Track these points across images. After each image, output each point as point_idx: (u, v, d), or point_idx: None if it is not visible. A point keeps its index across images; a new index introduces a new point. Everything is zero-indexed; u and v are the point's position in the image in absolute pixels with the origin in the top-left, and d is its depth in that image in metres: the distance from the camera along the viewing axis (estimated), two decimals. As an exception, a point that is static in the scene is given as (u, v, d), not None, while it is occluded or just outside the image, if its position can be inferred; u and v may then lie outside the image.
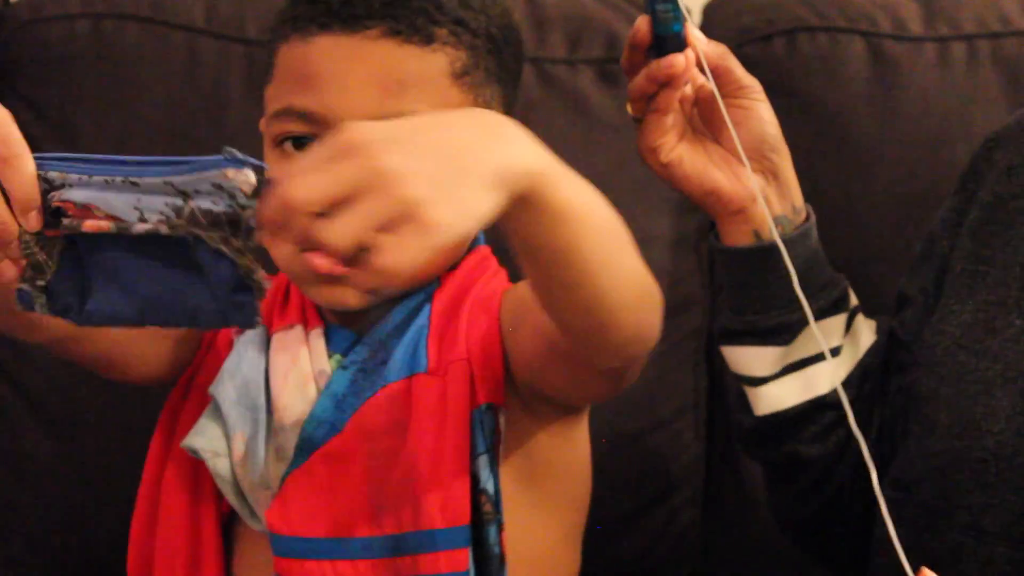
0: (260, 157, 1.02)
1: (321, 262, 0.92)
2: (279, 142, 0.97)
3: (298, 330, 1.02)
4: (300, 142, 0.96)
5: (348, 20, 0.94)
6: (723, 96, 1.00)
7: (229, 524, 1.04)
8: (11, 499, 1.30)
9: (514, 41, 1.02)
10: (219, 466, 1.00)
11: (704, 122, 1.04)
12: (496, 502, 0.96)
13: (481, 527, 0.96)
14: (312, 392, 1.00)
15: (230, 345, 1.05)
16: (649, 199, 1.33)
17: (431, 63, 0.95)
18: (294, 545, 0.96)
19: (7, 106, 1.33)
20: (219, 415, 1.01)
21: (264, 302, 1.02)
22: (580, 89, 1.34)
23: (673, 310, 1.32)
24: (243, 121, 1.32)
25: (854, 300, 1.09)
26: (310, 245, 0.70)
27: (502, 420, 0.98)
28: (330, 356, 1.01)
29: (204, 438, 1.00)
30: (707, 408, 1.35)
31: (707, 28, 1.41)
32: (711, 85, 0.99)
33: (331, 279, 0.94)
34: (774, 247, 0.97)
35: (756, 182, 1.01)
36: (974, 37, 1.34)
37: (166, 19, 1.35)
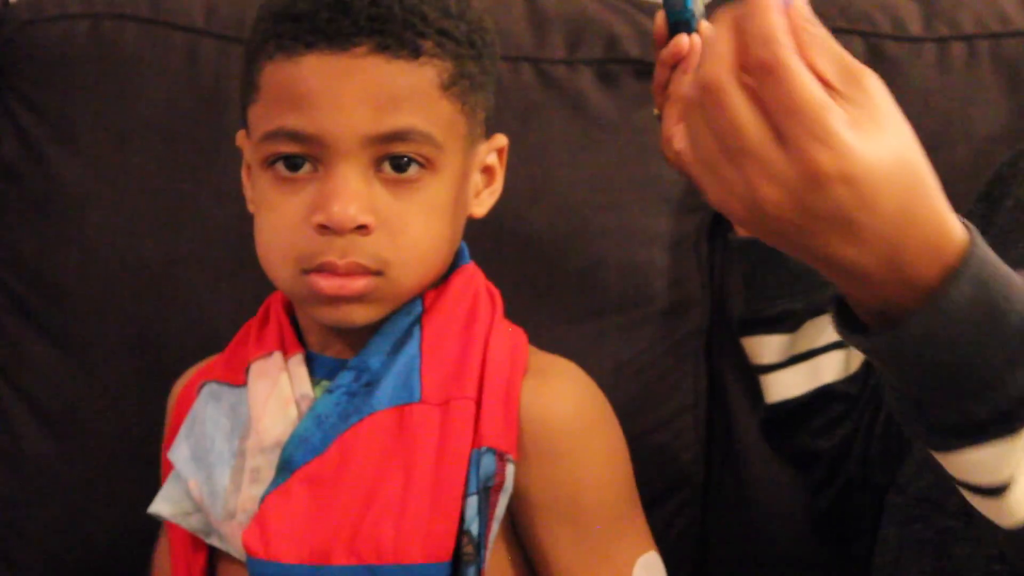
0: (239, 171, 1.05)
1: (328, 284, 0.94)
2: (270, 163, 0.97)
3: (277, 357, 1.02)
4: (292, 162, 0.96)
5: (335, 38, 0.93)
6: None
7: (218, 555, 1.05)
8: (11, 499, 1.30)
9: (491, 43, 1.02)
10: (193, 523, 1.03)
11: None
12: (479, 545, 0.96)
13: (460, 567, 0.95)
14: (294, 414, 1.00)
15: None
16: (649, 199, 1.33)
17: (421, 77, 0.95)
18: (270, 570, 0.96)
19: (7, 106, 1.34)
20: (177, 478, 1.04)
21: (240, 333, 1.08)
22: (580, 89, 1.34)
23: (673, 310, 1.32)
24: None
25: None
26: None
27: (509, 471, 0.97)
28: (314, 383, 1.02)
29: (168, 503, 1.03)
30: (707, 408, 1.35)
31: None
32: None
33: (334, 300, 0.96)
34: None
35: None
36: (974, 37, 1.35)
37: (166, 19, 1.35)
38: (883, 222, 0.66)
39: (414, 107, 0.95)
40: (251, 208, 1.03)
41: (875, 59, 1.34)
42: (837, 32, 1.36)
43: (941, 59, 1.34)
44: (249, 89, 0.99)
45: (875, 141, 0.65)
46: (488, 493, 0.97)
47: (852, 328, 0.73)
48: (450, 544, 0.95)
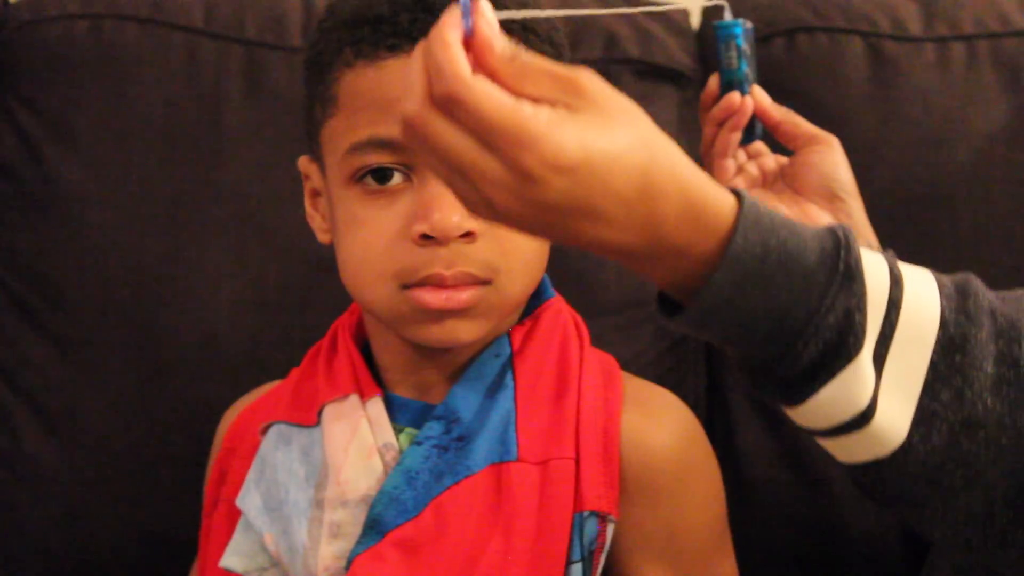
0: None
1: (434, 297, 0.91)
2: (359, 178, 0.92)
3: (354, 399, 0.97)
4: (382, 174, 0.91)
5: (421, 39, 0.90)
6: (797, 148, 1.06)
7: None
8: (11, 499, 1.30)
9: (564, 40, 0.99)
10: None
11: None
12: None
13: None
14: (378, 466, 0.94)
15: (253, 451, 1.01)
16: (649, 199, 1.33)
17: None
18: None
19: (7, 106, 1.34)
20: (250, 526, 0.98)
21: (306, 362, 1.03)
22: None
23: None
24: (242, 121, 1.32)
25: None
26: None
27: (610, 530, 0.93)
28: (396, 429, 0.96)
29: (240, 556, 0.97)
30: (707, 408, 1.35)
31: (706, 29, 1.41)
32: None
33: (440, 315, 0.92)
34: None
35: (827, 220, 1.04)
36: (973, 37, 1.35)
37: (166, 19, 1.35)
38: (625, 202, 0.70)
39: None
40: (324, 237, 0.99)
41: (875, 59, 1.34)
42: (837, 32, 1.37)
43: (941, 59, 1.34)
44: (323, 104, 0.94)
45: (593, 132, 0.68)
46: (592, 556, 0.93)
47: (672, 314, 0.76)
48: None
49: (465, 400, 0.95)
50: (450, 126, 0.68)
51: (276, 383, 1.09)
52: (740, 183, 1.07)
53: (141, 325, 1.30)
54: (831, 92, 1.33)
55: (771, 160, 1.10)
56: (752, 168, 1.09)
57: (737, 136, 1.07)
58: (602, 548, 0.93)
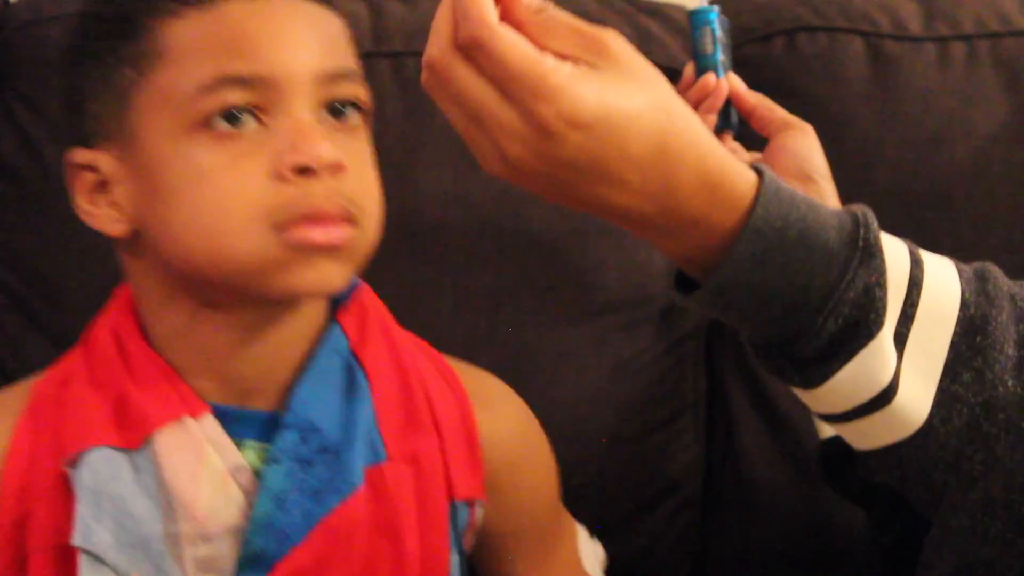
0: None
1: (320, 232, 0.84)
2: (207, 122, 0.84)
3: (188, 422, 0.88)
4: (234, 117, 0.84)
5: None
6: (771, 133, 1.06)
7: None
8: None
9: None
10: None
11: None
12: None
13: None
14: (237, 494, 0.87)
15: (59, 485, 0.88)
16: (649, 199, 1.33)
17: (338, 23, 0.90)
18: None
19: (7, 106, 1.34)
20: (101, 565, 0.86)
21: (89, 413, 0.89)
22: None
23: (673, 310, 1.32)
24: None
25: None
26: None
27: (479, 513, 0.95)
28: (239, 446, 0.89)
29: None
30: (707, 408, 1.35)
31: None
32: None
33: (316, 256, 0.85)
34: None
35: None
36: (973, 37, 1.35)
37: (166, 19, 1.35)
38: (641, 165, 0.69)
39: (348, 49, 0.90)
40: (117, 227, 0.89)
41: (875, 59, 1.34)
42: (837, 32, 1.37)
43: (941, 59, 1.34)
44: (135, 63, 0.86)
45: (613, 91, 0.68)
46: (462, 541, 0.94)
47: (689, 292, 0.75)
48: None
49: (317, 405, 0.90)
50: (472, 72, 0.68)
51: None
52: None
53: (141, 325, 1.30)
54: (831, 92, 1.33)
55: (746, 156, 1.10)
56: None
57: (712, 119, 1.07)
58: (472, 529, 0.95)
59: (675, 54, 1.36)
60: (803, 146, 1.07)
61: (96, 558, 0.85)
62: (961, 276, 0.77)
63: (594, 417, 1.30)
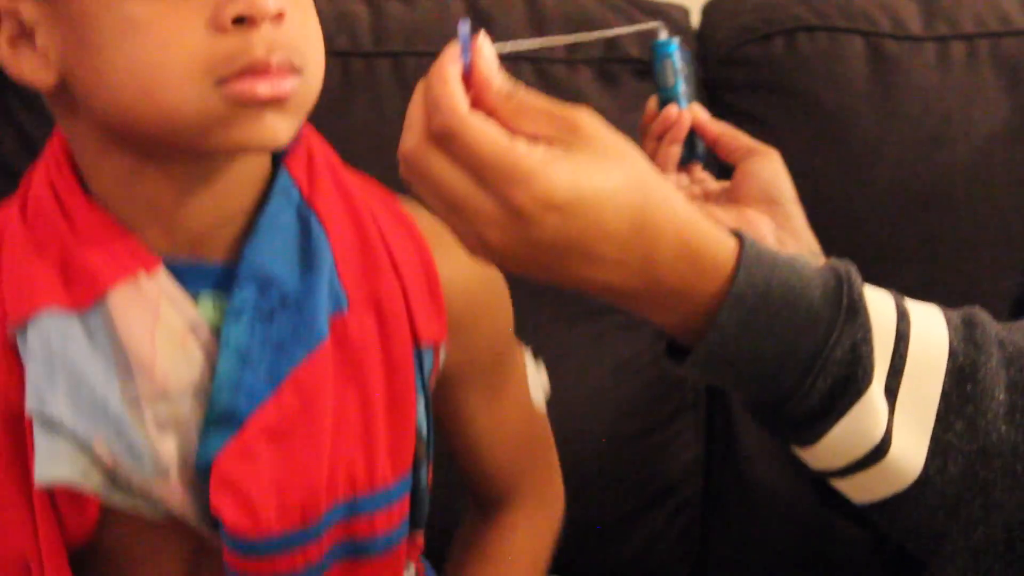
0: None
1: (263, 85, 0.80)
2: None
3: (142, 278, 0.85)
4: None
5: None
6: (737, 160, 1.07)
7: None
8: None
9: None
10: (93, 483, 0.84)
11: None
12: (428, 442, 0.93)
13: (416, 469, 0.92)
14: (195, 350, 0.86)
15: (7, 359, 0.86)
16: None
17: None
18: (258, 545, 0.86)
19: (7, 106, 1.34)
20: (57, 431, 0.84)
21: (33, 276, 0.86)
22: (580, 89, 1.34)
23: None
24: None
25: None
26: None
27: (442, 355, 0.93)
28: (195, 299, 0.86)
29: (61, 465, 0.83)
30: (707, 408, 1.35)
31: (706, 28, 1.41)
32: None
33: (261, 109, 0.81)
34: None
35: (767, 224, 1.04)
36: (974, 37, 1.34)
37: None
38: (619, 242, 0.70)
39: None
40: (44, 76, 0.83)
41: (875, 59, 1.34)
42: (837, 31, 1.37)
43: (941, 58, 1.34)
44: None
45: (587, 171, 0.69)
46: (428, 385, 0.93)
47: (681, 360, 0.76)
48: (411, 453, 0.91)
49: (273, 256, 0.87)
50: (446, 161, 0.69)
51: None
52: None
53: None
54: (831, 92, 1.33)
55: (715, 185, 1.11)
56: (695, 188, 1.10)
57: (676, 150, 1.09)
58: (436, 373, 0.94)
59: (675, 54, 1.36)
60: (769, 171, 1.08)
61: (51, 425, 0.83)
62: (948, 324, 0.77)
63: (594, 417, 1.30)
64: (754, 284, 0.72)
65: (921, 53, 1.34)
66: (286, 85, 0.81)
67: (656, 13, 1.39)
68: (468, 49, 0.70)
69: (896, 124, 1.32)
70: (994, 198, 1.31)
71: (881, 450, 0.75)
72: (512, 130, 0.70)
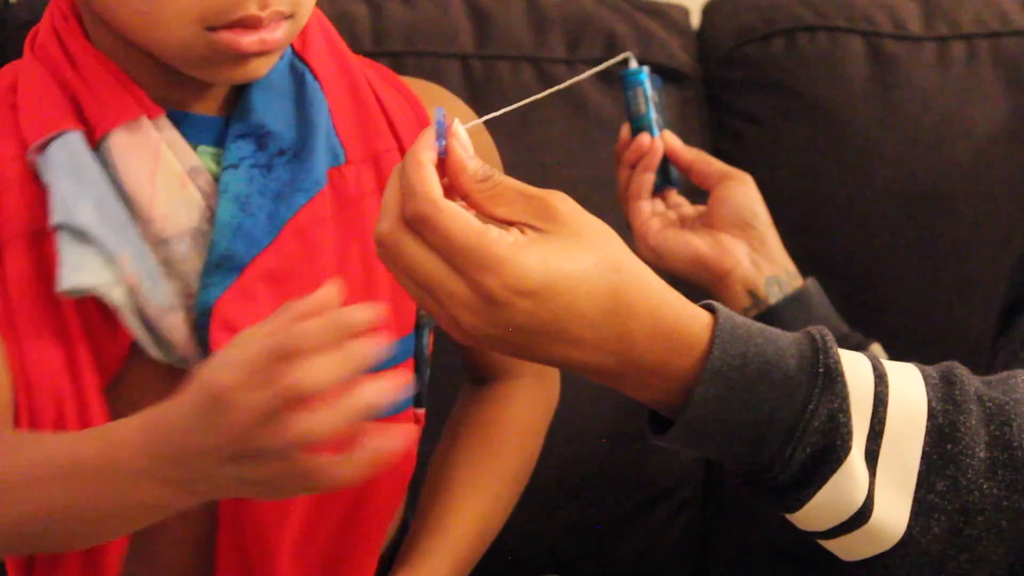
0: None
1: (250, 40, 0.83)
2: None
3: (145, 123, 0.87)
4: None
5: None
6: (711, 186, 1.09)
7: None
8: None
9: None
10: (116, 296, 0.85)
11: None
12: None
13: (418, 332, 0.93)
14: (195, 194, 0.87)
15: (24, 176, 0.87)
16: (649, 199, 1.33)
17: None
18: None
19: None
20: (84, 242, 0.85)
21: (50, 104, 0.88)
22: (580, 89, 1.34)
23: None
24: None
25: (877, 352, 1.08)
26: None
27: None
28: (194, 149, 0.88)
29: (87, 273, 0.84)
30: (707, 408, 1.35)
31: (706, 28, 1.41)
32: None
33: (247, 57, 0.84)
34: (771, 309, 1.04)
35: (742, 248, 1.07)
36: (973, 36, 1.35)
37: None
38: (593, 323, 0.71)
39: None
40: None
41: (875, 58, 1.34)
42: (837, 31, 1.37)
43: (941, 58, 1.34)
44: None
45: (558, 255, 0.70)
46: None
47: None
48: (412, 313, 0.92)
49: (269, 110, 0.90)
50: (420, 246, 0.70)
51: None
52: (655, 224, 1.09)
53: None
54: (831, 92, 1.33)
55: (691, 209, 1.12)
56: (671, 214, 1.11)
57: (650, 178, 1.09)
58: None
59: (675, 53, 1.36)
60: (743, 196, 1.09)
61: (79, 235, 0.85)
62: (927, 383, 0.77)
63: (594, 417, 1.30)
64: (729, 358, 0.73)
65: (921, 53, 1.34)
66: (276, 34, 0.84)
67: (656, 13, 1.39)
68: (443, 135, 0.71)
69: (896, 124, 1.32)
70: (993, 198, 1.31)
71: (863, 515, 0.75)
72: (487, 214, 0.71)
